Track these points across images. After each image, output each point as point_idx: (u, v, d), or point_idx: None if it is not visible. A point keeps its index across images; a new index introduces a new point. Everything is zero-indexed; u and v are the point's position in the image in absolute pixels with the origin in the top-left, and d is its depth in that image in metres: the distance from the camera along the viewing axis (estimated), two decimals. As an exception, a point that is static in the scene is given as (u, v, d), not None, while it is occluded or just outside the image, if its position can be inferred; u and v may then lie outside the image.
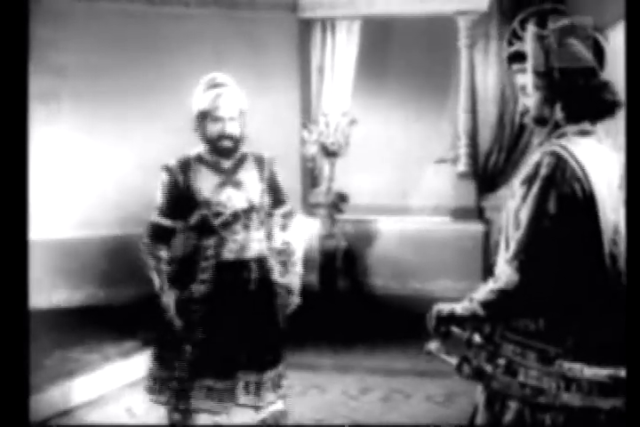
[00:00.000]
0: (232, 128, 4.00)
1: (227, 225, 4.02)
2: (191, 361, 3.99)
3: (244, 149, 4.12)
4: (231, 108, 3.99)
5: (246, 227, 4.06)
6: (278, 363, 4.13)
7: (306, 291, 4.29)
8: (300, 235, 4.26)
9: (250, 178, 4.09)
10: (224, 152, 4.03)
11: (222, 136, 3.99)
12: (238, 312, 4.02)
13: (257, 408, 4.11)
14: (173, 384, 4.02)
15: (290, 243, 4.20)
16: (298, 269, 4.21)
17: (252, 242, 4.07)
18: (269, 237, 4.19)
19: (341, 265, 7.66)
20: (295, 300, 4.20)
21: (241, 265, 4.05)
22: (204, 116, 3.99)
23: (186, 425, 4.12)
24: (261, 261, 4.11)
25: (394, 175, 8.42)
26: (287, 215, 4.22)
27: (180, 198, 4.01)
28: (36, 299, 5.65)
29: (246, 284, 4.06)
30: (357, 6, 7.83)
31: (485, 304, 2.42)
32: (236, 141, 4.03)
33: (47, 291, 6.82)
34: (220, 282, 4.02)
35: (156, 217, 4.06)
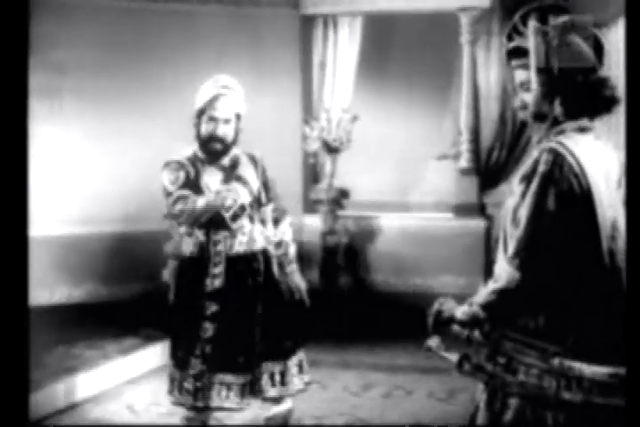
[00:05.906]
0: (224, 131, 4.02)
1: (236, 218, 4.05)
2: (207, 357, 4.00)
3: (235, 150, 4.14)
4: (228, 111, 4.02)
5: (252, 219, 4.11)
6: (299, 348, 4.18)
7: (307, 287, 4.31)
8: (289, 234, 4.29)
9: (249, 174, 4.13)
10: (212, 153, 4.06)
11: (213, 138, 4.03)
12: (252, 304, 4.06)
13: (280, 399, 4.16)
14: (189, 382, 4.01)
15: (282, 243, 4.24)
16: (294, 266, 4.26)
17: (257, 234, 4.11)
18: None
19: (343, 261, 7.65)
20: (304, 296, 4.24)
21: (250, 257, 4.09)
22: (201, 115, 4.04)
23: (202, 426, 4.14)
24: (265, 253, 4.18)
25: (395, 171, 8.40)
26: (277, 210, 4.25)
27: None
28: (36, 295, 5.68)
29: (255, 275, 4.11)
30: (359, 3, 7.81)
31: (487, 306, 2.41)
32: (226, 145, 4.07)
33: (48, 287, 6.81)
34: (233, 275, 4.06)
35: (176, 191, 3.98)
